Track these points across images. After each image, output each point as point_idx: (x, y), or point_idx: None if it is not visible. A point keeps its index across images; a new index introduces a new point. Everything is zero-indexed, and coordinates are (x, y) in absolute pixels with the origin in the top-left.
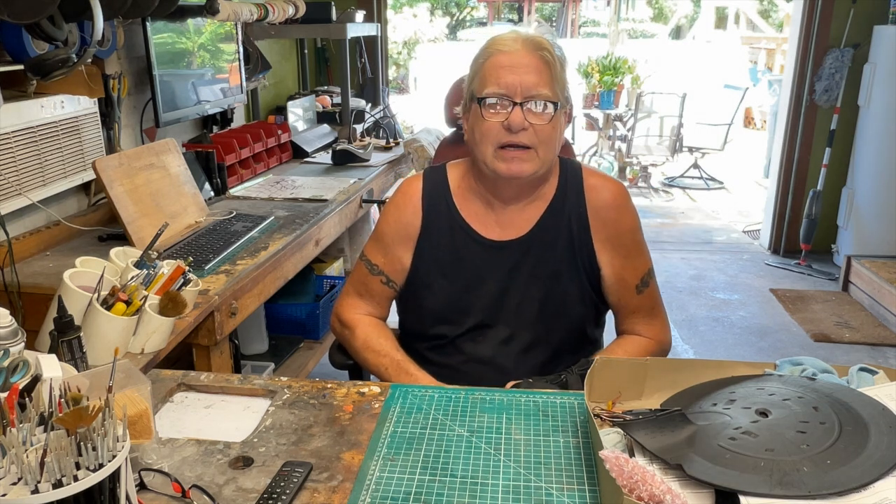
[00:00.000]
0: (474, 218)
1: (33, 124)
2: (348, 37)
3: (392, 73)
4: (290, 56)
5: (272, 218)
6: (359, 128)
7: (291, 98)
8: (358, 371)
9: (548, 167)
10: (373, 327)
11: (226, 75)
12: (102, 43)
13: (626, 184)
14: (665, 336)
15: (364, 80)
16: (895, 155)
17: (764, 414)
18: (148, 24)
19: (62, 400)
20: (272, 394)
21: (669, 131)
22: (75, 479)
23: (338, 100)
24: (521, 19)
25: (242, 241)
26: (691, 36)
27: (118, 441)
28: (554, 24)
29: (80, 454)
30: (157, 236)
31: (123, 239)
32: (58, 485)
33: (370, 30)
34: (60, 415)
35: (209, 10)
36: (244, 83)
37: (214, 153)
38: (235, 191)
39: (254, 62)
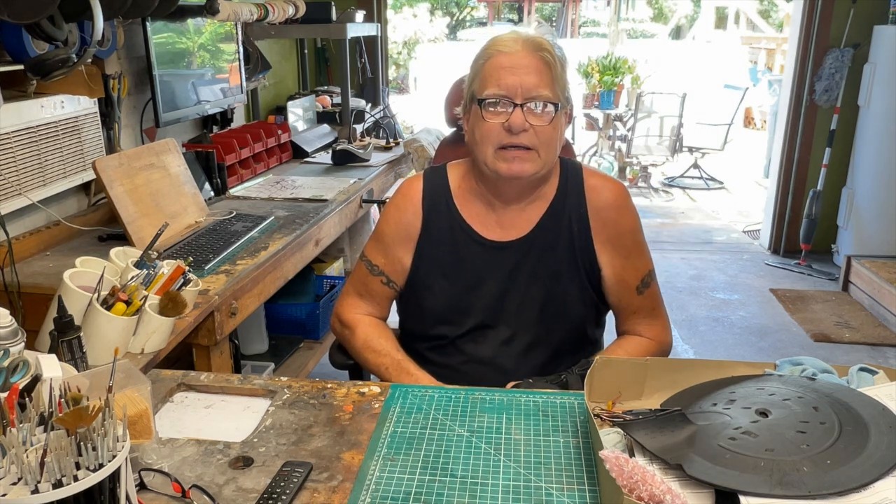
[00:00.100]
0: (475, 218)
1: (33, 124)
2: (348, 37)
3: (392, 73)
4: (290, 56)
5: (272, 218)
6: (359, 128)
7: (291, 98)
8: (358, 371)
9: (549, 168)
10: (373, 327)
11: (226, 75)
12: (102, 43)
13: (626, 184)
14: (666, 336)
15: (364, 80)
16: (895, 155)
17: (764, 414)
18: (148, 24)
19: (62, 400)
20: (272, 394)
21: (669, 131)
22: (75, 479)
23: (338, 100)
24: (521, 19)
25: (242, 241)
26: (691, 36)
27: (118, 441)
28: (554, 24)
29: (80, 454)
30: (157, 236)
31: (123, 239)
32: (58, 485)
33: (370, 30)
34: (60, 415)
35: (209, 10)
36: (244, 83)
37: (214, 153)
38: (235, 191)
39: (254, 62)
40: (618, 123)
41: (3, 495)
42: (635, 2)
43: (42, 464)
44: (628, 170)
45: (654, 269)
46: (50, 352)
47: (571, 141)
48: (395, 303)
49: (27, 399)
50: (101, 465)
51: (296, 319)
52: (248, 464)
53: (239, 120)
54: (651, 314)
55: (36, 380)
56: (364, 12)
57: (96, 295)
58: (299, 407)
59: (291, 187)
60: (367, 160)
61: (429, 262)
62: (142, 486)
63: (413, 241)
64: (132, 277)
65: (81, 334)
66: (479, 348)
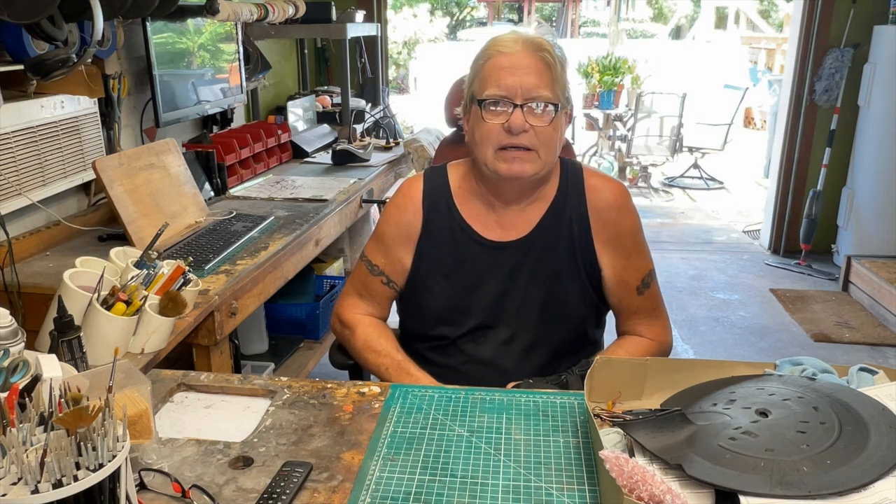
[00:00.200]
0: (475, 219)
1: (33, 124)
2: (348, 37)
3: (392, 73)
4: (290, 56)
5: (272, 218)
6: (359, 128)
7: (291, 98)
8: (358, 371)
9: (549, 168)
10: (373, 327)
11: (226, 75)
12: (102, 43)
13: (626, 184)
14: (666, 337)
15: (364, 80)
16: (895, 155)
17: (764, 414)
18: (148, 24)
19: (62, 400)
20: (272, 394)
21: (669, 131)
22: (75, 479)
23: (338, 100)
24: (521, 19)
25: (242, 241)
26: (691, 36)
27: (118, 441)
28: (554, 24)
29: (80, 454)
30: (157, 236)
31: (123, 239)
32: (58, 485)
33: (370, 30)
34: (60, 415)
35: (209, 10)
36: (244, 83)
37: (214, 153)
38: (235, 191)
39: (254, 62)
40: (618, 123)
41: (3, 495)
42: (635, 2)
43: (42, 464)
44: (628, 170)
45: (655, 270)
46: (50, 352)
47: (571, 141)
48: (395, 303)
49: (27, 399)
50: (101, 465)
51: (296, 319)
52: (248, 464)
53: (239, 120)
54: (651, 314)
55: (36, 380)
56: (364, 12)
57: (96, 295)
58: (299, 407)
59: (291, 187)
60: (367, 160)
61: (429, 262)
62: (142, 486)
63: (413, 242)
64: (132, 277)
65: (81, 334)
66: (480, 349)
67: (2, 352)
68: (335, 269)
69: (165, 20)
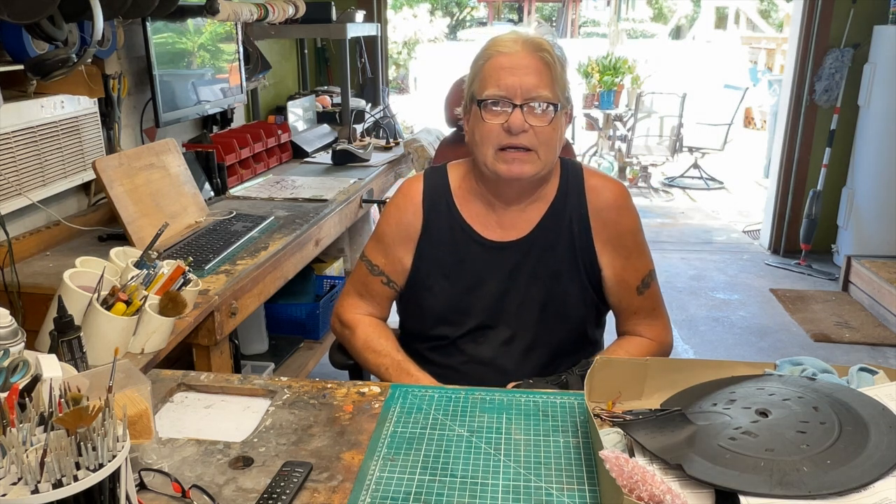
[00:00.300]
0: (475, 219)
1: (33, 124)
2: (348, 37)
3: (392, 73)
4: (290, 56)
5: (272, 218)
6: (359, 128)
7: (291, 98)
8: (358, 371)
9: (549, 168)
10: (373, 327)
11: (226, 75)
12: (102, 43)
13: (626, 184)
14: (666, 337)
15: (364, 80)
16: (895, 155)
17: (764, 414)
18: (148, 24)
19: (62, 400)
20: (272, 394)
21: (669, 131)
22: (75, 479)
23: (338, 100)
24: (521, 19)
25: (242, 241)
26: (691, 36)
27: (118, 441)
28: (554, 24)
29: (80, 454)
30: (157, 236)
31: (123, 239)
32: (58, 485)
33: (370, 30)
34: (60, 415)
35: (209, 10)
36: (244, 83)
37: (214, 153)
38: (235, 191)
39: (254, 62)
40: (618, 123)
41: (3, 495)
42: (635, 2)
43: (42, 464)
44: (628, 170)
45: (655, 270)
46: (50, 352)
47: (571, 141)
48: (395, 303)
49: (27, 399)
50: (101, 465)
51: (296, 319)
52: (248, 464)
53: (239, 120)
54: (651, 314)
55: (36, 380)
56: (364, 12)
57: (96, 295)
58: (299, 407)
59: (291, 187)
60: (367, 160)
61: (429, 262)
62: (142, 486)
63: (413, 242)
64: (132, 277)
65: (81, 334)
66: (480, 349)
67: (2, 352)
68: (335, 269)
69: (165, 20)
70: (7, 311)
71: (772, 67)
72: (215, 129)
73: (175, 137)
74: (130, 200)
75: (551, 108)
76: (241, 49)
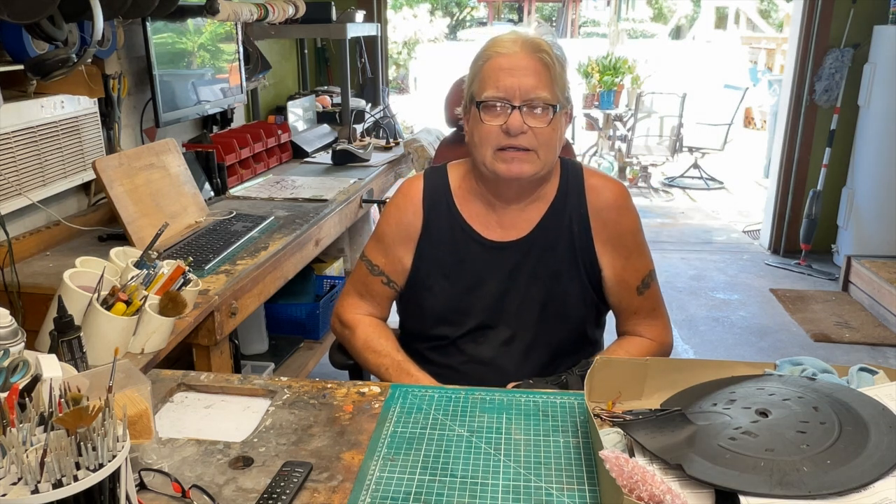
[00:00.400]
0: (475, 218)
1: (33, 124)
2: (348, 37)
3: (392, 73)
4: (290, 56)
5: (272, 218)
6: (359, 128)
7: (291, 98)
8: (358, 371)
9: (548, 168)
10: (373, 328)
11: (226, 75)
12: (102, 43)
13: (626, 184)
14: (667, 337)
15: (364, 80)
16: (895, 155)
17: (764, 414)
18: (148, 24)
19: (62, 400)
20: (272, 394)
21: (669, 131)
22: (75, 479)
23: (338, 100)
24: (521, 19)
25: (242, 241)
26: (691, 36)
27: (118, 441)
28: (554, 24)
29: (80, 454)
30: (157, 236)
31: (123, 239)
32: (58, 485)
33: (370, 30)
34: (60, 415)
35: (209, 10)
36: (244, 83)
37: (214, 153)
38: (235, 191)
39: (254, 62)
40: (618, 123)
41: (3, 495)
42: (635, 2)
43: (42, 464)
44: (628, 170)
45: (655, 270)
46: (50, 352)
47: (571, 141)
48: (395, 303)
49: (27, 399)
50: (101, 465)
51: (296, 319)
52: (248, 464)
53: (239, 120)
54: (651, 314)
55: (36, 380)
56: (364, 12)
57: (96, 295)
58: (299, 407)
59: (291, 187)
60: (367, 160)
61: (429, 262)
62: (142, 486)
63: (413, 242)
64: (132, 277)
65: (81, 334)
66: (480, 348)
67: (2, 352)
68: (335, 269)
69: (165, 20)
70: (7, 311)
71: (772, 67)
72: (215, 129)
73: (175, 137)
74: (130, 200)
75: (550, 109)
76: (241, 49)
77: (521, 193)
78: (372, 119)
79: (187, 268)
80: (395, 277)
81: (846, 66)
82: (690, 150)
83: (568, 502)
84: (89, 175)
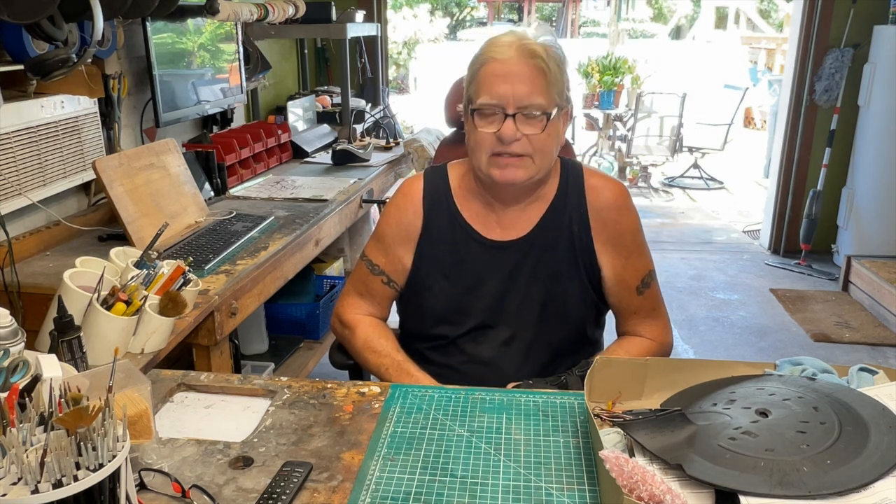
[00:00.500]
0: (475, 218)
1: (33, 124)
2: (348, 37)
3: (392, 73)
4: (290, 56)
5: (272, 218)
6: (359, 128)
7: (291, 98)
8: (358, 371)
9: (544, 172)
10: (373, 328)
11: (226, 75)
12: (102, 43)
13: (626, 184)
14: (667, 337)
15: (364, 80)
16: (895, 155)
17: (764, 414)
18: (148, 24)
19: (62, 400)
20: (272, 394)
21: (669, 131)
22: (75, 479)
23: (338, 100)
24: (521, 19)
25: (242, 241)
26: (691, 36)
27: (118, 441)
28: (554, 24)
29: (80, 454)
30: (157, 236)
31: (123, 239)
32: (58, 485)
33: (370, 30)
34: (60, 415)
35: (209, 10)
36: (244, 83)
37: (214, 153)
38: (235, 191)
39: (254, 62)
40: (618, 123)
41: (3, 495)
42: (635, 2)
43: (42, 464)
44: (628, 170)
45: (655, 270)
46: (50, 352)
47: (571, 141)
48: (395, 303)
49: (27, 399)
50: (101, 465)
51: (296, 319)
52: (248, 464)
53: (239, 120)
54: (651, 314)
55: (36, 380)
56: (364, 12)
57: (96, 295)
58: (299, 407)
59: (291, 187)
60: (367, 160)
61: (429, 261)
62: (142, 486)
63: (413, 241)
64: (132, 277)
65: (81, 334)
66: (480, 348)
67: (2, 352)
68: (335, 269)
69: (165, 20)
70: (7, 311)
71: (772, 67)
72: (215, 129)
73: (175, 137)
74: (130, 200)
75: (545, 115)
76: (241, 49)
77: (518, 196)
78: (372, 119)
79: (187, 268)
80: (395, 277)
81: (846, 66)
82: (690, 150)
83: (568, 502)
84: (89, 175)
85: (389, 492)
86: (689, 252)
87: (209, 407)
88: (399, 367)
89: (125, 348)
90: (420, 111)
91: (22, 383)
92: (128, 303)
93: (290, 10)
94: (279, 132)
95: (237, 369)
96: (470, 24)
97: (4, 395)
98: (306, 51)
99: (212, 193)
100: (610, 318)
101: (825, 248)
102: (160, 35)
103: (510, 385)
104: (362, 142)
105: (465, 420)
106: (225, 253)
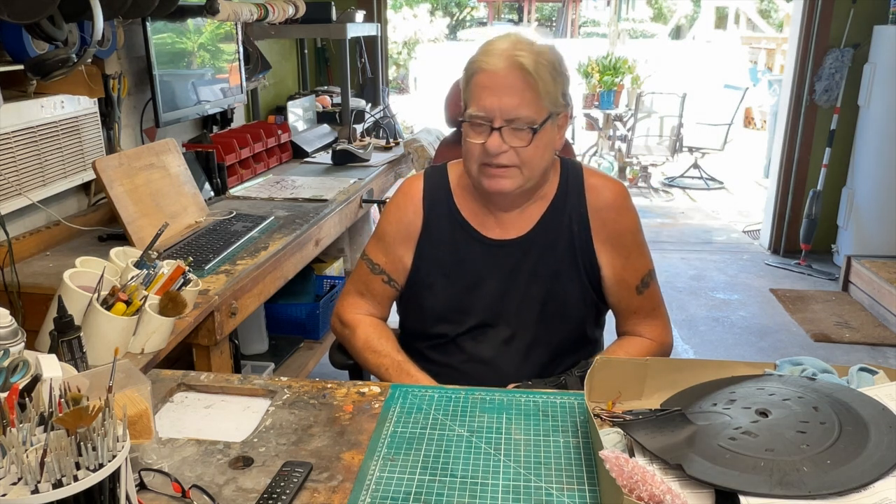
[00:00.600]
0: (475, 217)
1: (33, 124)
2: (348, 37)
3: (392, 73)
4: (290, 56)
5: (272, 218)
6: (359, 128)
7: (291, 98)
8: (358, 371)
9: (534, 181)
10: (374, 328)
11: (226, 75)
12: (102, 43)
13: (626, 184)
14: (666, 337)
15: (364, 80)
16: (895, 155)
17: (764, 414)
18: (148, 24)
19: (62, 400)
20: (272, 394)
21: (669, 131)
22: (75, 479)
23: (338, 100)
24: (521, 19)
25: (242, 241)
26: (691, 36)
27: (118, 441)
28: (554, 24)
29: (80, 454)
30: (157, 236)
31: (123, 239)
32: (58, 485)
33: (370, 30)
34: (60, 415)
35: (209, 10)
36: (244, 83)
37: (214, 153)
38: (235, 191)
39: (254, 62)
40: (618, 123)
41: (3, 495)
42: (635, 2)
43: (42, 464)
44: (628, 170)
45: (654, 269)
46: (50, 352)
47: (571, 141)
48: (395, 302)
49: (27, 399)
50: (101, 465)
51: (296, 319)
52: (248, 464)
53: (239, 120)
54: (651, 314)
55: (36, 380)
56: (364, 12)
57: (96, 295)
58: (299, 407)
59: (291, 187)
60: (367, 160)
61: (429, 261)
62: (142, 486)
63: (414, 241)
64: (132, 277)
65: (81, 334)
66: (480, 347)
67: (2, 352)
68: (335, 269)
69: (165, 20)
70: (7, 311)
71: (772, 67)
72: (215, 129)
73: (175, 137)
74: (130, 200)
75: (531, 130)
76: (241, 49)
77: (513, 202)
78: (372, 119)
79: (187, 268)
80: (395, 276)
81: (846, 66)
82: (690, 150)
83: (568, 502)
84: (89, 175)
85: (389, 492)
86: (688, 252)
87: (209, 407)
88: (399, 368)
89: (125, 348)
90: (420, 111)
91: (22, 383)
92: (128, 303)
93: (290, 10)
94: (279, 132)
95: (237, 369)
96: (470, 24)
97: (4, 395)
98: (306, 51)
99: (212, 193)
100: (610, 317)
101: (825, 248)
102: (160, 35)
103: (510, 386)
104: (362, 142)
105: (465, 420)
106: (225, 253)
